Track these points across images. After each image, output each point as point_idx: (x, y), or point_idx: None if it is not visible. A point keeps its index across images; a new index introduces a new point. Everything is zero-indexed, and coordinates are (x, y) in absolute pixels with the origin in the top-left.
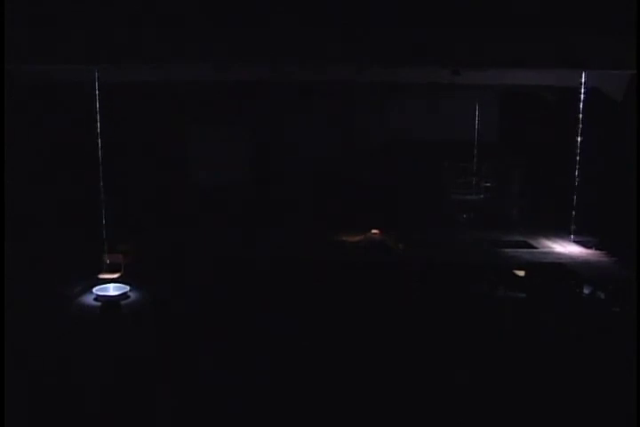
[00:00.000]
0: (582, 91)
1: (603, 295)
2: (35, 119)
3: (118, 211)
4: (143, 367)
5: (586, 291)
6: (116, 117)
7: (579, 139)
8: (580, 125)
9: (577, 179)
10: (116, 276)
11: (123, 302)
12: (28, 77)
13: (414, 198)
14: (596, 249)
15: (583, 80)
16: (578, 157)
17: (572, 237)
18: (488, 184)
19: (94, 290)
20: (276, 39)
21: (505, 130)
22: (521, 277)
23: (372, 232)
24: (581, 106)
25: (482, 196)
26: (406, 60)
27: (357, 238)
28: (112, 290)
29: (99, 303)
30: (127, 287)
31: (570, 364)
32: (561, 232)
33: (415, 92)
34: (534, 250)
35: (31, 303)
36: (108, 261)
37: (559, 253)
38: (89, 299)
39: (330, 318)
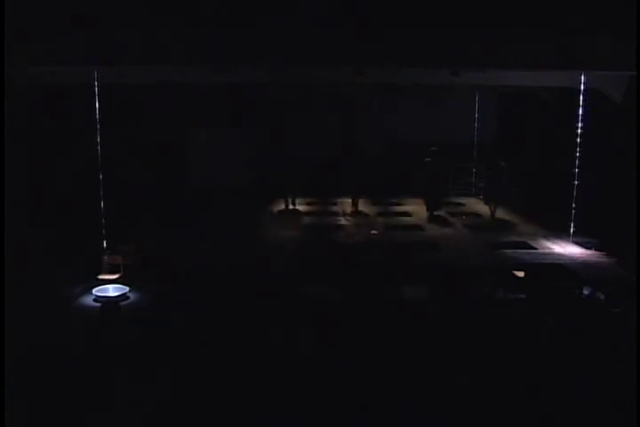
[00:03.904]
0: (582, 91)
1: (602, 296)
2: (35, 120)
3: (118, 211)
4: (143, 368)
5: (585, 292)
6: (116, 118)
7: (578, 139)
8: (580, 126)
9: (576, 179)
10: (115, 277)
11: (122, 303)
12: (28, 79)
13: (413, 199)
14: (595, 250)
15: (583, 81)
16: (577, 158)
17: (572, 237)
18: (487, 185)
19: (94, 291)
20: (276, 40)
21: (504, 131)
22: (520, 277)
23: (372, 233)
24: (581, 107)
25: (481, 196)
26: (406, 61)
27: (356, 238)
28: (112, 291)
29: (98, 304)
30: (127, 288)
31: (570, 365)
32: (560, 233)
33: (414, 92)
34: (534, 251)
35: (31, 304)
36: (107, 262)
37: (559, 254)
38: (88, 300)
39: (329, 318)
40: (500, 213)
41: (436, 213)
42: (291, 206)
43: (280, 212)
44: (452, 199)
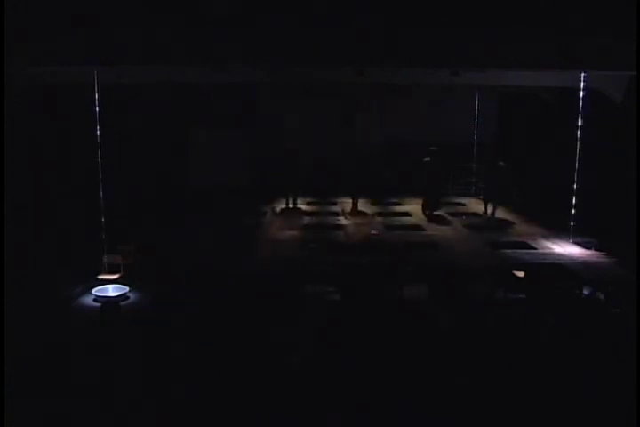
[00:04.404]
0: (582, 91)
1: (602, 296)
2: (35, 120)
3: (118, 211)
4: (143, 368)
5: (585, 292)
6: (116, 119)
7: (578, 139)
8: (580, 126)
9: (576, 179)
10: (115, 277)
11: (122, 303)
12: (28, 79)
13: (412, 199)
14: (595, 250)
15: (582, 81)
16: (577, 158)
17: (572, 237)
18: (487, 185)
19: (94, 291)
20: (276, 40)
21: (504, 131)
22: (520, 278)
23: (372, 233)
24: (581, 107)
25: (481, 196)
26: (406, 61)
27: (356, 238)
28: (112, 291)
29: (98, 304)
30: (127, 288)
31: (569, 365)
32: (560, 233)
33: (414, 92)
34: (534, 251)
35: (31, 304)
36: (107, 262)
37: (559, 254)
38: (88, 300)
39: (328, 318)
40: (500, 213)
41: (435, 212)
42: (291, 205)
43: (281, 211)
44: (451, 199)
